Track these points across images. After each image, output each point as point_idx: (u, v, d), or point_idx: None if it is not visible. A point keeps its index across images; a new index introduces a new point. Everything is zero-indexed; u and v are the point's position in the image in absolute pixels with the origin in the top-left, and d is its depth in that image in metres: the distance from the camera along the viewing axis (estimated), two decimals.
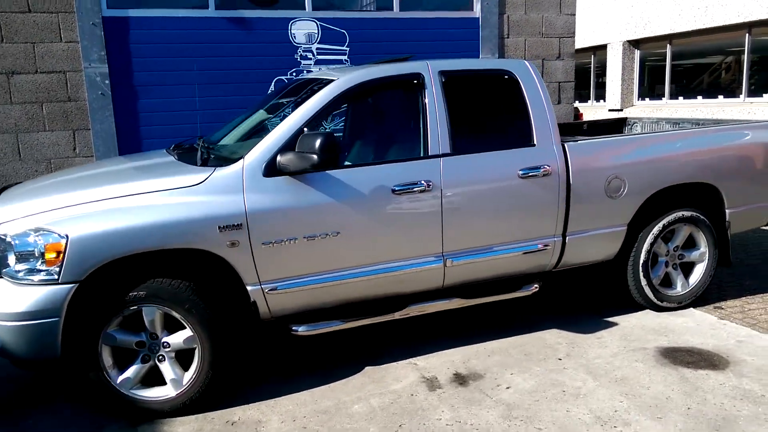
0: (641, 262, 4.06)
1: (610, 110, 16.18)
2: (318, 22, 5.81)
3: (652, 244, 4.06)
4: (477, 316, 4.26)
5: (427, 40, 6.12)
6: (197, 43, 5.47)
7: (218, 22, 5.51)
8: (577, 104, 17.67)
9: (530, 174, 3.62)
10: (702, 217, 4.15)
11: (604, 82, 16.44)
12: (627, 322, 4.07)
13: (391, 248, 3.40)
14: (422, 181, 3.38)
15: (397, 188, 3.34)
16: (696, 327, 3.93)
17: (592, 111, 16.65)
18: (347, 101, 3.75)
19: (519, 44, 6.45)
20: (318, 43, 5.83)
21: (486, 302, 3.77)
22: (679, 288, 4.23)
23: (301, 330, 3.32)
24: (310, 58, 5.85)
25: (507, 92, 3.75)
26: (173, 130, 5.49)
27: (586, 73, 17.65)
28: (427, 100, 3.52)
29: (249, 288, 3.17)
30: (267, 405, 3.18)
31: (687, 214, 4.10)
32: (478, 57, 6.29)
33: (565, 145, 3.77)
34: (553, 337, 3.89)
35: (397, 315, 3.53)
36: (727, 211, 4.23)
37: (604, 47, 16.20)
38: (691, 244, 4.26)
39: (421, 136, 3.49)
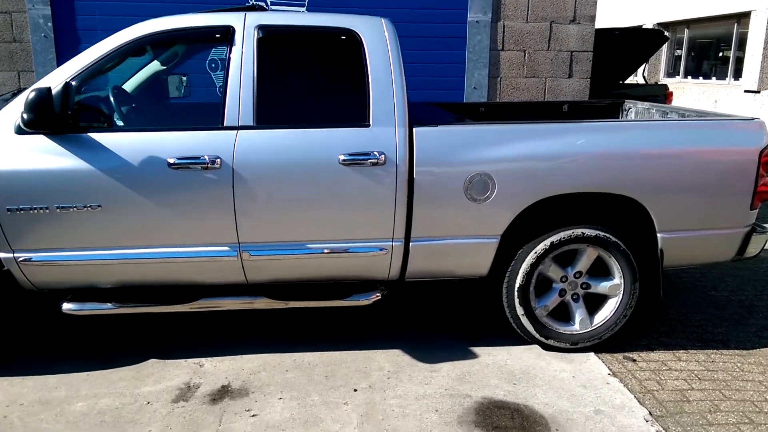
0: (517, 285, 3.31)
1: (745, 91, 14.09)
2: None
3: (533, 265, 3.28)
4: (328, 321, 3.78)
5: None
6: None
7: None
8: (710, 81, 15.50)
9: (355, 161, 3.03)
10: (613, 239, 3.26)
11: (742, 57, 14.28)
12: (490, 357, 3.37)
13: (172, 230, 3.04)
14: (205, 157, 2.95)
15: (174, 162, 2.95)
16: (569, 379, 3.14)
17: (725, 91, 14.53)
18: (136, 55, 3.35)
19: (520, 2, 5.53)
20: None
21: (312, 306, 3.30)
22: (577, 326, 3.41)
23: (66, 308, 3.11)
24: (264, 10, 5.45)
25: (344, 57, 3.16)
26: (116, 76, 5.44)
27: (721, 46, 15.45)
28: (232, 60, 3.05)
29: (0, 254, 3.00)
30: (9, 382, 3.04)
31: (589, 232, 3.25)
32: (467, 16, 5.51)
33: (414, 129, 3.11)
34: (384, 358, 3.32)
35: (184, 307, 3.20)
36: (659, 235, 3.29)
37: (747, 15, 13.98)
38: (604, 271, 3.40)
39: (221, 102, 3.04)
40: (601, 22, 19.05)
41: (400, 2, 5.48)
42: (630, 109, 4.73)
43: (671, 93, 9.68)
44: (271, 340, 3.53)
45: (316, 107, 3.15)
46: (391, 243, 3.18)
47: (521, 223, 3.29)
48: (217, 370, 3.19)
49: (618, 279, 3.35)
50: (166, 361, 3.28)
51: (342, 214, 3.10)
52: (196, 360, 3.29)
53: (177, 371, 3.17)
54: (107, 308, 3.14)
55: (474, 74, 5.63)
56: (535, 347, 3.47)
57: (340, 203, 3.08)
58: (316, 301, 3.25)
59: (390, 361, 3.31)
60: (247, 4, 3.58)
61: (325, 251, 3.15)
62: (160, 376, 3.12)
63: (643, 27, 9.90)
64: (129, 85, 3.82)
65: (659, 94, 9.55)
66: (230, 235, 3.07)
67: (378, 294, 3.32)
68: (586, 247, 3.30)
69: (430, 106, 4.65)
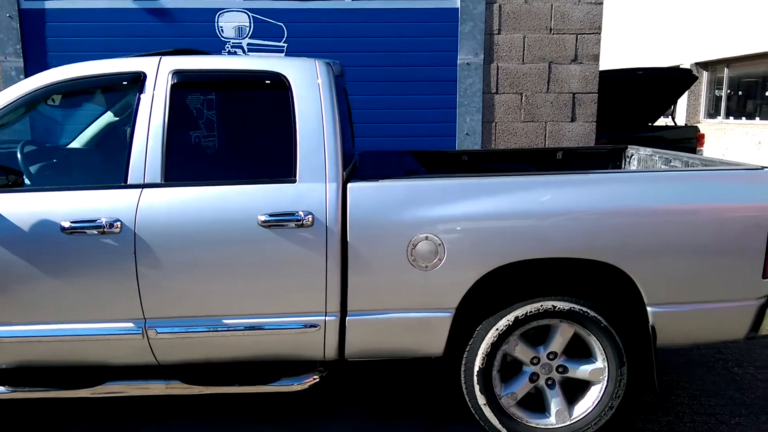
0: (476, 368, 2.77)
1: None
2: (250, 14, 5.15)
3: (495, 345, 2.75)
4: (269, 400, 3.29)
5: (384, 36, 5.12)
6: (116, 36, 5.15)
7: (137, 13, 5.13)
8: (753, 122, 14.66)
9: (278, 222, 2.61)
10: (591, 314, 2.71)
11: None
12: None
13: (70, 305, 2.66)
14: (102, 220, 2.58)
15: (69, 226, 2.59)
16: None
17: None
18: (34, 105, 3.02)
19: (515, 42, 5.12)
20: (250, 37, 5.17)
21: (233, 392, 2.84)
22: (553, 418, 2.83)
23: None
24: (240, 56, 5.21)
25: (270, 104, 2.78)
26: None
27: (767, 85, 14.65)
28: (140, 109, 2.70)
29: None
30: None
31: (562, 306, 2.71)
32: (456, 58, 5.12)
33: (348, 185, 2.67)
34: None
35: (86, 392, 2.78)
36: (649, 310, 2.73)
37: None
38: (585, 352, 2.84)
39: (126, 157, 2.69)
40: (636, 62, 18.53)
41: (386, 45, 5.15)
42: (632, 155, 4.19)
43: (702, 135, 9.04)
44: (197, 423, 3.07)
45: (236, 161, 2.77)
46: (323, 318, 2.71)
47: (481, 295, 2.79)
48: None
49: (600, 362, 2.79)
50: None
51: (264, 284, 2.66)
52: None
53: None
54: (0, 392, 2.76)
55: (466, 119, 5.20)
56: None
57: (261, 272, 2.65)
58: (238, 386, 2.80)
59: None
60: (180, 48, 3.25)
61: (245, 328, 2.70)
62: None
63: (673, 66, 9.35)
64: (81, 139, 3.54)
65: (690, 137, 8.93)
66: (134, 310, 2.67)
67: (315, 376, 2.85)
68: (559, 323, 2.76)
69: (405, 155, 4.23)
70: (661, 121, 11.68)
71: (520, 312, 2.72)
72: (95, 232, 2.58)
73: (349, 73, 5.16)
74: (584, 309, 2.71)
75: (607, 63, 19.19)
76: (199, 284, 2.65)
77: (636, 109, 9.35)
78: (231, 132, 2.79)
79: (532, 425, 2.82)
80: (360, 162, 3.81)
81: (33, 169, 2.97)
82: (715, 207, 2.66)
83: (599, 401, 2.80)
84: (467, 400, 2.84)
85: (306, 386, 2.83)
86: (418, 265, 2.65)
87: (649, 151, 3.97)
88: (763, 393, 3.47)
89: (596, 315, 2.71)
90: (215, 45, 5.17)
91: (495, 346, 2.75)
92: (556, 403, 2.83)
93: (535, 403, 2.88)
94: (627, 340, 2.79)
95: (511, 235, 2.63)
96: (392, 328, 2.74)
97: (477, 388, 2.78)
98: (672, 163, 3.62)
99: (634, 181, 2.69)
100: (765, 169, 2.75)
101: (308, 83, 2.74)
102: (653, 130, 9.19)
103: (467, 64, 5.12)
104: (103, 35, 5.15)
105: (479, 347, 2.76)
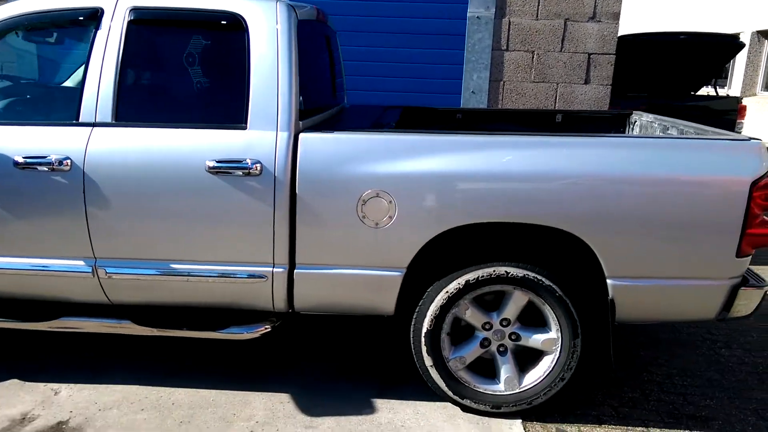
0: (424, 329, 2.71)
1: None
2: None
3: (444, 307, 2.67)
4: (223, 351, 3.32)
5: None
6: None
7: None
8: None
9: (225, 169, 2.56)
10: (546, 282, 2.60)
11: None
12: (391, 413, 2.79)
13: (25, 239, 2.70)
14: (52, 157, 2.59)
15: (21, 161, 2.60)
16: None
17: None
18: None
19: None
20: None
21: (182, 336, 2.86)
22: (502, 385, 2.76)
23: None
24: None
25: (226, 46, 2.70)
26: None
27: None
28: (95, 47, 2.66)
29: None
30: None
31: (515, 272, 2.60)
32: (466, 11, 4.89)
33: (300, 135, 2.59)
34: (262, 404, 2.84)
35: (42, 326, 2.85)
36: (609, 282, 2.59)
37: None
38: (541, 321, 2.73)
39: (78, 93, 2.66)
40: (689, 27, 17.52)
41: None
42: (636, 121, 3.96)
43: (744, 107, 8.51)
44: (151, 369, 3.12)
45: (189, 104, 2.71)
46: (271, 269, 2.68)
47: (433, 255, 2.70)
48: (69, 400, 2.82)
49: (554, 332, 2.68)
50: (25, 383, 2.95)
51: (211, 231, 2.64)
52: (56, 386, 2.93)
53: (27, 397, 2.83)
54: None
55: (473, 77, 5.00)
56: (452, 405, 2.85)
57: (208, 219, 2.62)
58: (186, 330, 2.81)
59: (267, 408, 2.81)
60: None
61: (193, 274, 2.70)
62: (5, 402, 2.79)
63: (719, 32, 8.75)
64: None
65: (731, 109, 8.43)
66: (85, 249, 2.69)
67: (267, 326, 2.84)
68: (512, 289, 2.66)
69: (391, 110, 4.10)
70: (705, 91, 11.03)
71: (471, 276, 2.62)
72: (45, 168, 2.59)
73: (353, 23, 5.02)
74: (539, 277, 2.59)
75: (655, 26, 18.29)
76: (148, 227, 2.64)
77: (677, 76, 8.87)
78: (186, 74, 2.73)
79: (480, 390, 2.76)
80: (345, 115, 3.71)
81: (4, 102, 2.99)
82: (688, 178, 2.48)
83: (550, 372, 2.71)
84: (415, 360, 2.79)
85: (257, 335, 2.83)
86: (368, 221, 2.57)
87: (651, 117, 3.74)
88: (744, 377, 3.30)
89: (551, 284, 2.59)
90: None
91: (444, 308, 2.67)
92: (506, 370, 2.75)
93: (488, 369, 2.81)
94: (584, 312, 2.67)
95: (465, 196, 2.52)
96: (341, 284, 2.69)
97: (424, 349, 2.73)
98: (669, 131, 3.40)
99: (598, 147, 2.52)
100: (752, 140, 2.53)
101: (266, 26, 2.64)
102: (696, 100, 8.72)
103: (477, 17, 4.89)
104: None
105: (428, 309, 2.68)
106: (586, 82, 4.95)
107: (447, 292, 2.65)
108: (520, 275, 2.60)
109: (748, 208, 2.46)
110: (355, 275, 2.66)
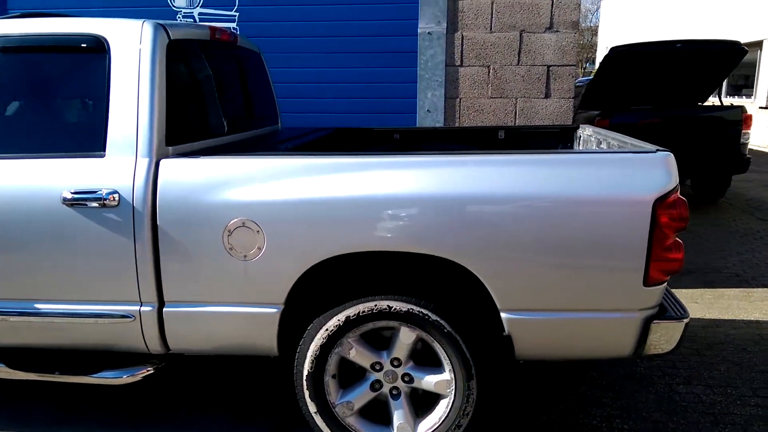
0: (305, 372, 2.47)
1: None
2: None
3: (325, 347, 2.44)
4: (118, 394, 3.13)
5: (339, 3, 4.77)
6: (64, 8, 5.08)
7: None
8: None
9: (80, 201, 2.40)
10: (433, 317, 2.34)
11: None
12: None
13: None
14: None
15: None
16: None
17: None
18: None
19: (481, 8, 4.63)
20: (201, 6, 4.97)
21: (55, 380, 2.68)
22: None
23: None
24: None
25: (89, 69, 2.54)
26: None
27: None
28: None
29: None
30: None
31: (399, 306, 2.35)
32: (417, 24, 4.70)
33: (161, 162, 2.42)
34: None
35: None
36: (503, 316, 2.33)
37: None
38: (436, 361, 2.47)
39: None
40: (702, 35, 16.99)
41: (342, 14, 4.81)
42: (580, 136, 3.69)
43: (750, 117, 8.09)
44: (40, 413, 2.95)
45: (49, 133, 2.56)
46: (138, 308, 2.49)
47: (314, 290, 2.48)
48: None
49: (447, 373, 2.41)
50: None
51: (72, 269, 2.47)
52: None
53: None
54: None
55: (427, 95, 4.79)
56: None
57: (67, 255, 2.45)
58: (59, 374, 2.64)
59: None
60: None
61: (58, 314, 2.53)
62: None
63: (720, 39, 8.38)
64: None
65: (736, 119, 8.02)
66: None
67: (149, 369, 2.65)
68: (399, 326, 2.41)
69: (321, 131, 3.92)
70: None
71: (351, 311, 2.38)
72: None
73: (302, 44, 4.89)
74: (424, 311, 2.34)
75: (669, 36, 17.79)
76: (7, 264, 2.49)
77: (680, 86, 8.51)
78: (46, 101, 2.60)
79: None
80: (269, 138, 3.55)
81: None
82: (583, 198, 2.21)
83: (446, 417, 2.44)
84: (300, 406, 2.55)
85: (138, 378, 2.64)
86: (236, 253, 2.37)
87: (590, 131, 3.47)
88: (697, 419, 2.96)
89: (438, 319, 2.34)
90: (167, 15, 5.02)
91: (325, 348, 2.44)
92: (398, 415, 2.49)
93: (385, 415, 2.55)
94: (481, 350, 2.40)
95: (335, 224, 2.29)
96: (216, 322, 2.48)
97: (307, 393, 2.49)
98: (601, 145, 3.12)
99: (488, 165, 2.27)
100: (657, 152, 2.26)
101: (129, 48, 2.49)
102: (705, 110, 8.33)
103: (428, 33, 4.70)
104: (51, 6, 5.10)
105: (309, 349, 2.45)
106: (547, 96, 4.69)
107: (327, 329, 2.42)
108: (404, 310, 2.35)
109: (653, 229, 2.18)
110: (228, 313, 2.46)
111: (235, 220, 2.35)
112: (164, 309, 2.49)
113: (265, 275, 2.38)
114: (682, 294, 4.82)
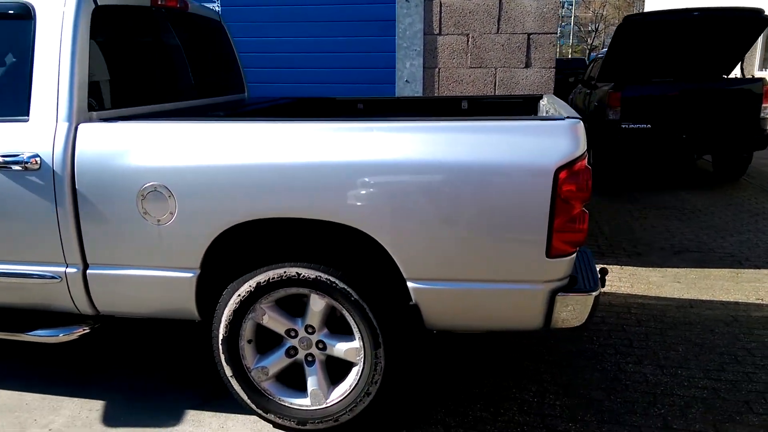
0: (220, 336, 2.54)
1: None
2: None
3: (238, 312, 2.50)
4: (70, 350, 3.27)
5: None
6: None
7: None
8: None
9: (6, 164, 2.50)
10: (340, 285, 2.37)
11: None
12: (195, 427, 2.63)
13: None
14: None
15: None
16: None
17: None
18: None
19: None
20: None
21: None
22: (309, 399, 2.55)
23: None
24: None
25: (15, 38, 2.61)
26: None
27: None
28: None
29: None
30: None
31: (307, 273, 2.39)
32: None
33: (79, 126, 2.49)
34: (69, 411, 2.76)
35: None
36: (409, 285, 2.34)
37: None
38: (348, 328, 2.51)
39: None
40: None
41: None
42: (543, 106, 3.61)
43: None
44: None
45: None
46: (64, 269, 2.59)
47: (230, 256, 2.53)
48: None
49: (357, 341, 2.45)
50: None
51: (1, 229, 2.58)
52: None
53: None
54: None
55: (406, 64, 4.75)
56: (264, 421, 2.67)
57: None
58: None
59: (72, 414, 2.73)
60: None
61: None
62: None
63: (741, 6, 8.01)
64: None
65: (756, 92, 7.70)
66: None
67: (85, 328, 2.76)
68: (309, 293, 2.45)
69: (282, 99, 3.95)
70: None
71: (262, 278, 2.43)
72: None
73: (278, 13, 4.89)
74: (332, 279, 2.37)
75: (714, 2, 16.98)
76: None
77: (702, 57, 8.20)
78: None
79: (285, 404, 2.56)
80: (232, 106, 3.60)
81: None
82: (483, 166, 2.18)
83: (356, 385, 2.48)
84: (218, 369, 2.63)
85: (74, 337, 2.75)
86: (150, 218, 2.44)
87: (546, 100, 3.40)
88: (635, 397, 2.93)
89: (345, 286, 2.36)
90: None
91: (238, 313, 2.50)
92: (312, 382, 2.54)
93: (295, 381, 2.61)
94: (389, 319, 2.42)
95: (242, 190, 2.32)
96: (137, 285, 2.57)
97: (223, 357, 2.56)
98: (549, 113, 3.06)
99: (382, 132, 2.26)
100: (567, 120, 2.21)
101: (53, 13, 2.55)
102: (730, 83, 8.02)
103: (406, 0, 4.65)
104: None
105: (223, 314, 2.52)
106: (527, 65, 4.59)
107: (239, 295, 2.47)
108: (312, 277, 2.38)
109: (554, 199, 2.15)
110: (146, 276, 2.53)
111: (148, 184, 2.41)
112: (88, 271, 2.58)
113: (178, 240, 2.44)
114: (667, 273, 4.72)
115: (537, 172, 2.14)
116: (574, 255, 2.27)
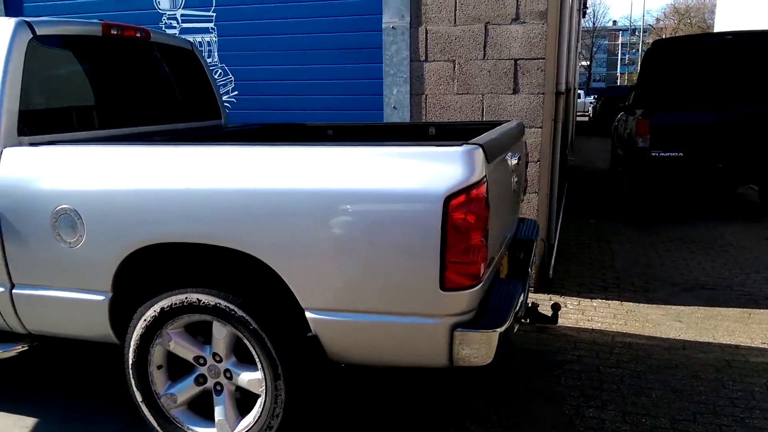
0: (129, 361, 2.54)
1: None
2: None
3: (145, 337, 2.49)
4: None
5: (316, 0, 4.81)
6: (62, 12, 5.50)
7: None
8: None
9: None
10: (239, 313, 2.32)
11: None
12: None
13: None
14: None
15: None
16: None
17: None
18: None
19: (445, 0, 4.49)
20: (183, 8, 5.19)
21: None
22: (216, 429, 2.50)
23: None
24: (175, 27, 5.26)
25: None
26: None
27: None
28: None
29: None
30: None
31: (207, 300, 2.36)
32: (381, 19, 4.64)
33: (4, 150, 2.59)
34: (4, 425, 2.80)
35: None
36: (307, 315, 2.27)
37: None
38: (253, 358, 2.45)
39: None
40: None
41: (307, 11, 4.85)
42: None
43: None
44: None
45: None
46: None
47: (140, 280, 2.54)
48: None
49: (260, 371, 2.38)
50: None
51: None
52: None
53: None
54: None
55: (393, 91, 4.72)
56: None
57: None
58: None
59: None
60: None
61: None
62: None
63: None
64: None
65: None
66: None
67: (24, 345, 2.85)
68: (212, 320, 2.41)
69: (260, 126, 4.00)
70: None
71: (165, 303, 2.42)
72: None
73: (268, 42, 4.99)
74: (231, 306, 2.33)
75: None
76: None
77: (740, 82, 7.79)
78: None
79: None
80: (200, 132, 3.68)
81: None
82: (373, 193, 2.10)
83: (259, 417, 2.41)
84: (130, 394, 2.62)
85: (12, 353, 2.84)
86: (64, 240, 2.48)
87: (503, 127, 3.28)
88: (576, 401, 2.72)
89: (244, 315, 2.31)
90: (154, 17, 5.30)
91: (145, 338, 2.49)
92: (219, 411, 2.49)
93: (207, 411, 2.56)
94: (291, 350, 2.34)
95: (141, 214, 2.33)
96: (55, 306, 2.61)
97: (132, 382, 2.55)
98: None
99: (272, 157, 2.23)
100: (464, 147, 2.10)
101: None
102: (760, 108, 7.57)
103: (392, 28, 4.63)
104: (47, 14, 5.52)
105: (132, 337, 2.52)
106: (515, 91, 4.46)
107: (145, 320, 2.47)
108: (212, 303, 2.35)
109: (445, 228, 2.05)
110: (63, 298, 2.57)
111: (59, 207, 2.46)
112: (14, 291, 2.65)
113: (88, 262, 2.47)
114: (670, 310, 4.43)
115: (425, 199, 2.05)
116: (477, 288, 2.14)
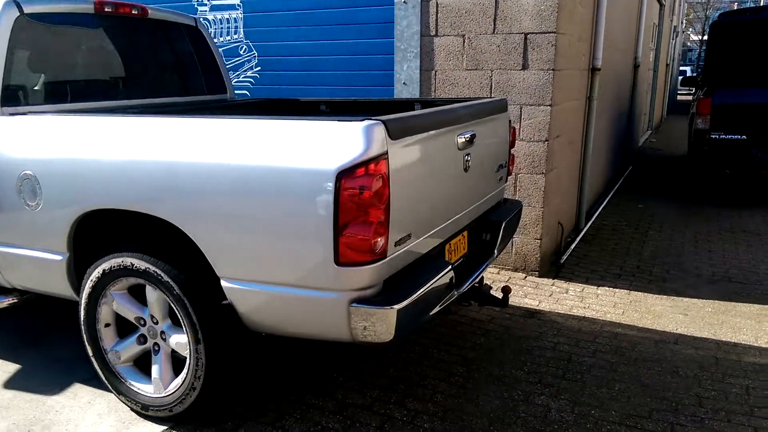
0: (81, 317, 2.75)
1: None
2: None
3: (91, 296, 2.69)
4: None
5: None
6: None
7: None
8: None
9: None
10: (165, 278, 2.45)
11: None
12: (72, 400, 2.86)
13: None
14: None
15: None
16: None
17: None
18: None
19: None
20: None
21: None
22: (152, 386, 2.67)
23: None
24: (206, 3, 5.45)
25: None
26: None
27: None
28: None
29: None
30: None
31: (138, 264, 2.51)
32: None
33: None
34: None
35: None
36: (222, 284, 2.38)
37: None
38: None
39: None
40: None
41: None
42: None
43: None
44: None
45: None
46: None
47: (92, 243, 2.74)
48: None
49: (185, 335, 2.52)
50: None
51: None
52: None
53: None
54: None
55: (403, 67, 4.69)
56: None
57: None
58: None
59: None
60: None
61: None
62: None
63: None
64: None
65: None
66: None
67: (14, 299, 3.14)
68: (144, 283, 2.57)
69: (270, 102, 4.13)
70: None
71: (106, 265, 2.60)
72: None
73: (279, 18, 5.07)
74: (158, 271, 2.46)
75: None
76: None
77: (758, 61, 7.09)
78: None
79: (133, 388, 2.70)
80: (198, 105, 3.86)
81: None
82: (270, 167, 2.15)
83: (186, 379, 2.55)
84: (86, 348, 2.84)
85: (5, 305, 3.13)
86: (27, 203, 2.71)
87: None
88: (495, 369, 2.68)
89: (169, 280, 2.44)
90: (188, 4, 5.52)
91: (92, 297, 2.68)
92: (155, 370, 2.66)
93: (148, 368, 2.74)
94: (213, 316, 2.46)
95: (86, 181, 2.51)
96: (23, 263, 2.86)
97: (84, 337, 2.77)
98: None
99: (184, 128, 2.32)
100: (364, 122, 2.11)
101: None
102: None
103: (404, 2, 4.58)
104: None
105: (82, 296, 2.73)
106: (524, 67, 4.30)
107: (91, 280, 2.66)
108: (143, 268, 2.50)
109: (337, 204, 2.07)
110: (30, 257, 2.81)
111: (23, 173, 2.69)
112: None
113: (46, 225, 2.69)
114: (679, 302, 4.20)
115: (319, 175, 2.08)
116: (378, 264, 2.16)
